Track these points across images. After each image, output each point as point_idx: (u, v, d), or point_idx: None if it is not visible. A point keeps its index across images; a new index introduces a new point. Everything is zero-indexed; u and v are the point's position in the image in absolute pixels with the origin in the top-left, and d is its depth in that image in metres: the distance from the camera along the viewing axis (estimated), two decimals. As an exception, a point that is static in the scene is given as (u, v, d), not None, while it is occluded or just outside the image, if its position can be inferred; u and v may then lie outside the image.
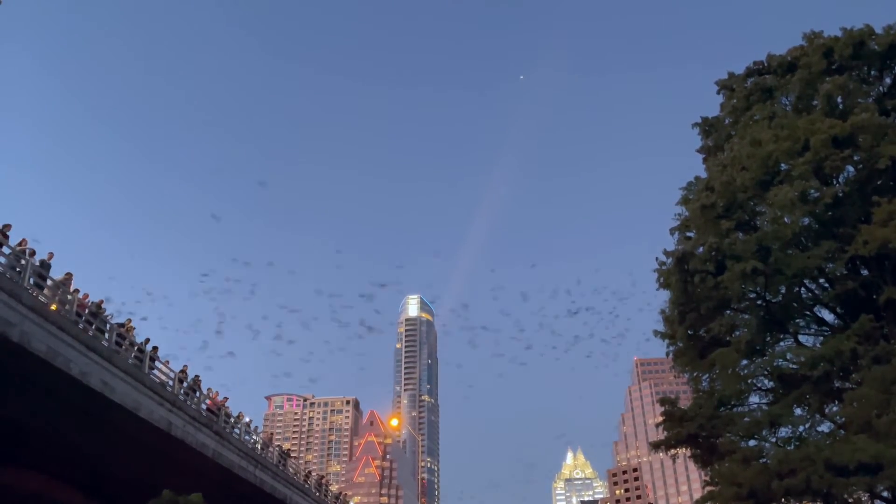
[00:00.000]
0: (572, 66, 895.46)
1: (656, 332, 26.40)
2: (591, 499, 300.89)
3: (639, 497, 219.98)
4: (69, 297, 21.96)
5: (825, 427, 23.14)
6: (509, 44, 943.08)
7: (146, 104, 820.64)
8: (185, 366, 28.60)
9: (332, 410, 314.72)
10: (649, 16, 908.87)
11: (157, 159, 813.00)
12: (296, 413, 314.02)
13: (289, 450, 46.66)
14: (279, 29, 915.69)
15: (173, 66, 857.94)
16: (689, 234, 26.09)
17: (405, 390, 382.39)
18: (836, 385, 22.11)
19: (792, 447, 22.19)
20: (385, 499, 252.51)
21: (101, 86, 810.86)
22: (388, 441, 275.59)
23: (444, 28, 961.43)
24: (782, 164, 23.10)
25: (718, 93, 28.69)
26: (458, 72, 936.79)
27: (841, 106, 23.42)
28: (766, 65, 27.16)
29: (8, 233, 20.74)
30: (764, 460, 21.67)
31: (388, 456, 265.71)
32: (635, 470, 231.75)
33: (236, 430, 32.33)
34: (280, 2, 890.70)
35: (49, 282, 21.70)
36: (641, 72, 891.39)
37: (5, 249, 19.90)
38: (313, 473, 49.35)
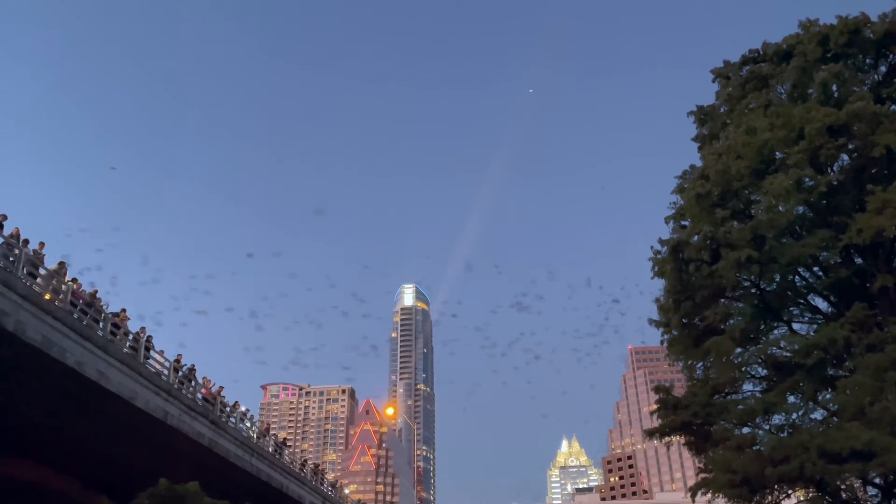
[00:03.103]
0: (566, 65, 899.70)
1: (651, 321, 26.40)
2: (585, 486, 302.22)
3: (633, 484, 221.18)
4: (63, 286, 21.90)
5: (818, 415, 23.25)
6: (504, 44, 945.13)
7: (141, 102, 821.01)
8: (180, 355, 28.58)
9: (327, 399, 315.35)
10: (644, 16, 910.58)
11: (154, 159, 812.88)
12: (291, 402, 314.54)
13: (285, 439, 46.77)
14: (275, 27, 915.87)
15: (169, 64, 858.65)
16: (684, 222, 26.07)
17: (401, 379, 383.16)
18: (830, 373, 22.17)
19: (785, 434, 22.28)
20: (381, 487, 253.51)
21: (94, 84, 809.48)
22: (384, 430, 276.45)
23: (440, 29, 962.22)
24: (777, 153, 23.07)
25: (714, 81, 28.60)
26: (453, 71, 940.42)
27: (836, 94, 23.37)
28: (761, 53, 27.08)
29: (3, 223, 20.66)
30: (758, 447, 21.77)
31: (383, 444, 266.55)
32: (630, 457, 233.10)
33: (232, 420, 32.37)
34: (277, 1, 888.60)
35: (43, 271, 21.64)
36: (635, 72, 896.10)
37: (-1, 239, 19.83)
38: (309, 462, 49.49)
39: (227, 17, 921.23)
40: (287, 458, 41.23)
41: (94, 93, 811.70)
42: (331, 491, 51.61)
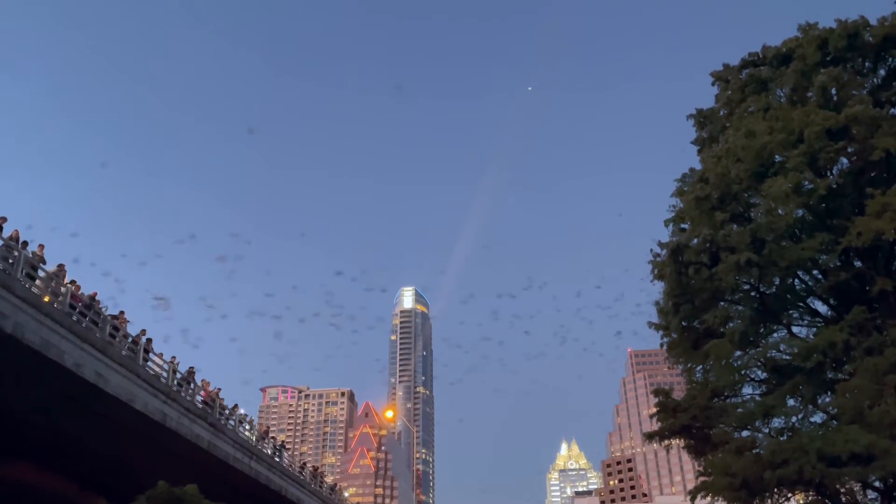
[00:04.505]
0: (564, 71, 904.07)
1: (651, 324, 26.41)
2: (585, 489, 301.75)
3: (633, 487, 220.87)
4: (62, 288, 21.88)
5: (818, 418, 23.22)
6: (501, 52, 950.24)
7: (144, 114, 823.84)
8: (174, 357, 28.44)
9: (327, 402, 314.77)
10: (641, 22, 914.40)
11: (155, 165, 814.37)
12: (291, 405, 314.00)
13: (284, 441, 46.71)
14: (271, 39, 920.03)
15: (170, 77, 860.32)
16: (683, 225, 26.07)
17: (400, 382, 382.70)
18: (829, 376, 22.18)
19: (785, 438, 22.27)
20: (380, 490, 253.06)
21: (94, 98, 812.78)
22: (383, 432, 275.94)
23: (439, 37, 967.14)
24: (777, 156, 23.08)
25: (713, 84, 28.63)
26: (451, 79, 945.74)
27: (835, 98, 23.37)
28: (760, 56, 27.10)
29: (2, 225, 20.62)
30: (757, 451, 21.75)
31: (382, 447, 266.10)
32: (629, 461, 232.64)
33: (231, 422, 32.33)
34: (277, 15, 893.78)
35: (42, 273, 21.61)
36: (633, 78, 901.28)
37: (-2, 241, 19.80)
38: (308, 465, 49.42)
39: (226, 31, 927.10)
40: (286, 460, 41.18)
41: (96, 104, 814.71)
42: (330, 494, 51.54)
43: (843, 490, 21.26)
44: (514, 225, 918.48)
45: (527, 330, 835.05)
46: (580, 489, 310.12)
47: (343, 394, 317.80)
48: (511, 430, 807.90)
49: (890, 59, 24.49)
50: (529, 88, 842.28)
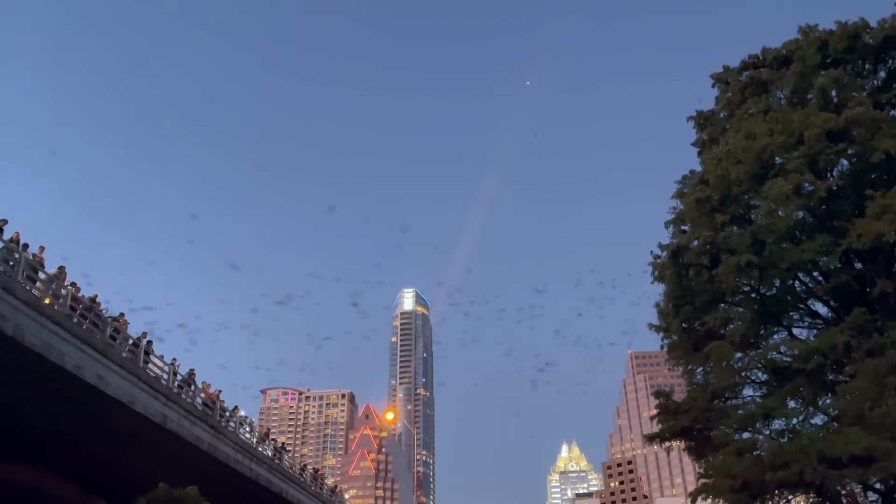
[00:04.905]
0: (562, 77, 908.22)
1: (651, 326, 26.37)
2: (585, 491, 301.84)
3: (633, 489, 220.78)
4: (63, 290, 21.89)
5: (819, 419, 23.19)
6: (501, 51, 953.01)
7: (144, 114, 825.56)
8: (174, 359, 28.42)
9: (327, 404, 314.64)
10: (640, 24, 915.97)
11: (155, 165, 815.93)
12: (291, 407, 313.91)
13: (284, 443, 46.69)
14: (277, 42, 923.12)
15: (172, 77, 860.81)
16: (683, 227, 26.07)
17: (401, 384, 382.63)
18: (830, 378, 22.16)
19: (785, 439, 22.24)
20: (380, 492, 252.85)
21: (93, 98, 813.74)
22: (384, 434, 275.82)
23: (442, 35, 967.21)
24: (777, 158, 23.07)
25: (714, 86, 28.65)
26: (450, 80, 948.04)
27: (835, 100, 23.39)
28: (761, 58, 27.12)
29: (3, 227, 20.65)
30: (757, 453, 21.70)
31: (383, 449, 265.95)
32: (630, 462, 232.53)
33: (231, 424, 32.33)
34: (276, 16, 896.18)
35: (42, 275, 21.63)
36: (633, 81, 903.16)
37: (-1, 243, 19.81)
38: (309, 467, 49.38)
39: (226, 31, 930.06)
40: (286, 462, 41.17)
41: (95, 104, 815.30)
42: (330, 496, 51.50)
43: (843, 492, 21.22)
44: (514, 225, 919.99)
45: (527, 330, 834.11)
46: (581, 491, 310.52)
47: (343, 396, 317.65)
48: (512, 432, 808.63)
49: (890, 61, 24.50)
50: (528, 83, 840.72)
